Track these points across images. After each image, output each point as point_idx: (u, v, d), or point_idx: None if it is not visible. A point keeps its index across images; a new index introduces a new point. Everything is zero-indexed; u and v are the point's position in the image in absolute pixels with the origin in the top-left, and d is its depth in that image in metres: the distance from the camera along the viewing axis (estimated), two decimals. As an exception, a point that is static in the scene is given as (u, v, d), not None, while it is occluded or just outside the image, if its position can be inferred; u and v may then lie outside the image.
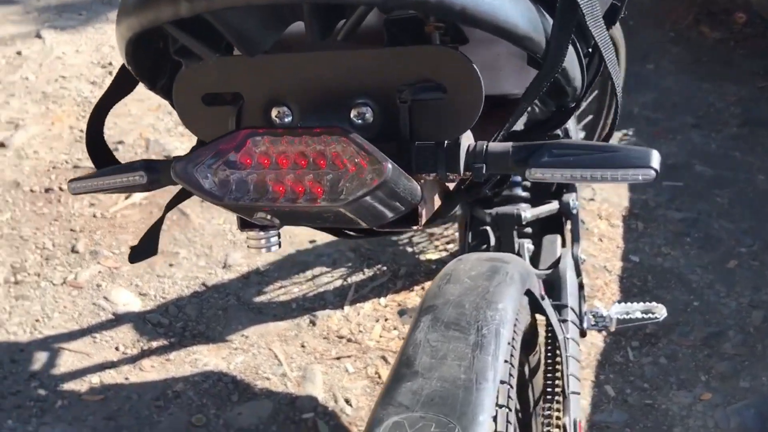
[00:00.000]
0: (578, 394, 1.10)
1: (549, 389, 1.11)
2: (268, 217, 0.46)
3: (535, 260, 1.34)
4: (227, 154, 0.48)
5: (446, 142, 0.50)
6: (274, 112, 0.53)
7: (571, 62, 0.58)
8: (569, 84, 0.60)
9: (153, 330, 1.92)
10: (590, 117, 2.38)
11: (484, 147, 0.50)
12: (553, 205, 1.36)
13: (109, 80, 3.13)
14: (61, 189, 2.44)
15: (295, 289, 2.07)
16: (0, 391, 1.71)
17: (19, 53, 3.31)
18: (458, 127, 0.49)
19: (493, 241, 1.31)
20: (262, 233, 0.52)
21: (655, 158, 0.48)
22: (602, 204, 2.49)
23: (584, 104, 0.77)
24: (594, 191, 2.57)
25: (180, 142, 2.75)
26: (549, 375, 1.12)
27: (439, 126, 0.50)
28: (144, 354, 1.84)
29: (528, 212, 1.27)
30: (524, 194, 1.32)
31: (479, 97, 0.49)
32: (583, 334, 1.46)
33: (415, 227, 0.50)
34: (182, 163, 0.49)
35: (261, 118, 0.54)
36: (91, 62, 3.28)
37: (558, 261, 1.29)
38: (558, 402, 1.10)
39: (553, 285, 1.24)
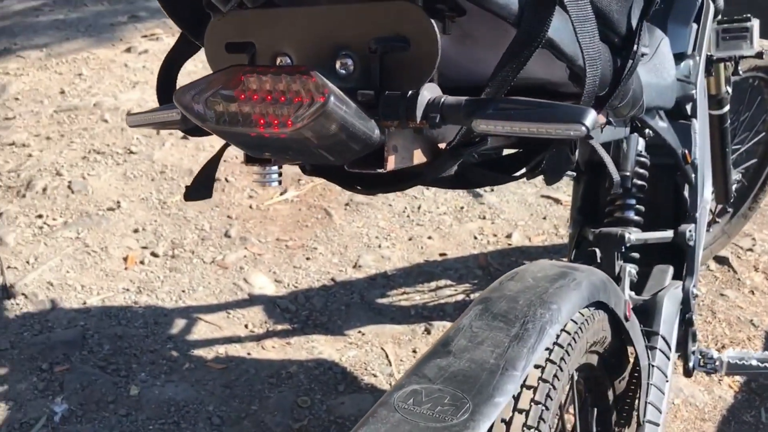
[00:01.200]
0: (657, 425, 1.05)
1: (625, 414, 1.07)
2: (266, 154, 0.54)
3: (639, 287, 1.29)
4: (218, 85, 0.55)
5: (409, 92, 0.53)
6: (277, 60, 0.60)
7: (570, 41, 0.58)
8: (572, 64, 0.60)
9: (280, 314, 2.05)
10: (753, 161, 2.23)
11: (442, 99, 0.52)
12: (666, 234, 1.30)
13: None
14: (227, 180, 2.68)
15: (417, 296, 2.11)
16: (141, 347, 1.92)
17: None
18: (419, 78, 0.53)
19: (597, 261, 1.28)
20: (263, 168, 0.58)
21: (589, 116, 0.47)
22: (761, 256, 2.31)
23: (620, 103, 0.75)
24: (754, 241, 2.39)
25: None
26: (628, 400, 1.09)
27: (403, 77, 0.53)
28: (268, 334, 1.97)
29: (634, 235, 1.23)
30: (635, 218, 1.28)
31: (435, 50, 0.52)
32: (688, 374, 1.37)
33: (380, 170, 0.53)
34: (182, 89, 0.57)
35: (269, 64, 0.61)
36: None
37: (661, 290, 1.24)
38: (632, 429, 1.06)
39: (648, 311, 1.19)
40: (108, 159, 2.80)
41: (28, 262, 2.23)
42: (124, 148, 2.87)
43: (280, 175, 0.58)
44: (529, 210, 2.60)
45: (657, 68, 1.12)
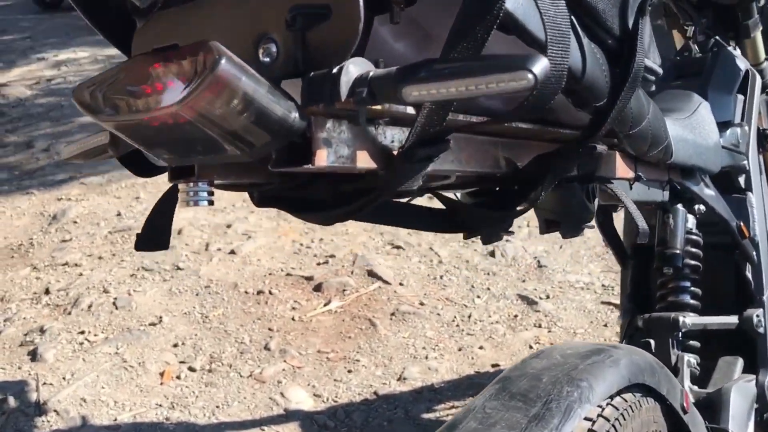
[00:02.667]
0: None
1: None
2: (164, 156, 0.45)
3: (703, 381, 1.12)
4: (122, 77, 0.49)
5: (334, 69, 0.44)
6: None
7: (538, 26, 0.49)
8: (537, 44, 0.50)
9: (318, 431, 1.91)
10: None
11: (371, 72, 0.43)
12: (730, 319, 1.15)
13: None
14: (270, 292, 2.62)
15: (466, 409, 1.94)
16: (168, 465, 1.79)
17: (266, 178, 3.73)
18: (344, 50, 0.44)
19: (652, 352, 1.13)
20: (188, 185, 0.50)
21: (537, 62, 0.37)
22: None
23: (629, 129, 0.63)
24: None
25: (384, 259, 2.84)
26: None
27: (328, 52, 0.45)
28: (303, 452, 1.83)
29: (690, 319, 1.08)
30: (691, 301, 1.13)
31: (357, 13, 0.43)
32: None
33: (308, 165, 0.44)
34: (82, 84, 0.51)
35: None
36: (323, 188, 3.58)
37: (729, 383, 1.07)
38: None
39: (714, 406, 1.02)
40: (155, 276, 2.79)
41: (64, 378, 2.17)
42: (173, 264, 2.86)
43: (210, 194, 0.49)
44: (589, 317, 2.42)
45: (695, 127, 1.02)
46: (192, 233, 3.13)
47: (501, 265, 2.81)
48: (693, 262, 1.15)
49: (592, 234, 3.01)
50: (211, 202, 0.47)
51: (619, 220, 1.31)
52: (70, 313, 2.55)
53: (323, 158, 0.42)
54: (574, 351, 0.78)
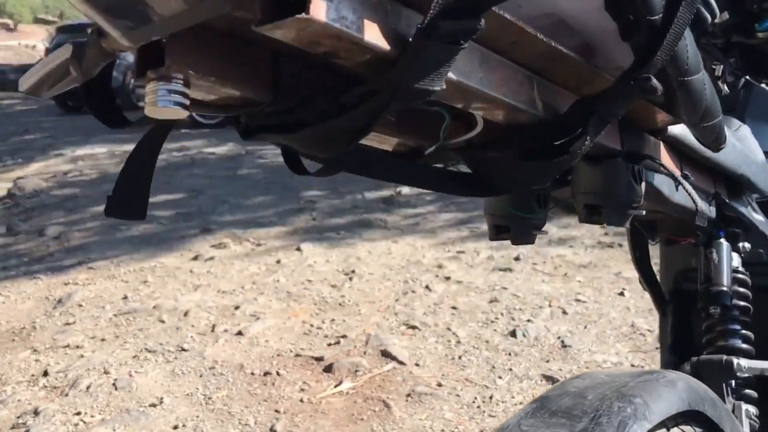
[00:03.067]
0: None
1: None
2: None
3: (766, 434, 0.98)
4: None
5: None
6: None
7: None
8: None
9: None
10: None
11: None
12: None
13: (348, 285, 3.29)
14: (278, 374, 2.47)
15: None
16: None
17: (278, 262, 3.65)
18: None
19: None
20: (158, 83, 0.39)
21: None
22: None
23: (682, 76, 0.53)
24: None
25: (399, 339, 2.70)
26: None
27: None
28: None
29: (744, 362, 0.96)
30: (743, 345, 1.01)
31: None
32: None
33: (301, 15, 0.33)
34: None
35: None
36: (336, 270, 3.48)
37: None
38: None
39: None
40: (158, 357, 2.66)
41: (54, 462, 2.02)
42: (177, 346, 2.74)
43: (184, 96, 0.39)
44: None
45: (741, 139, 0.93)
46: (198, 315, 3.02)
47: (523, 345, 2.66)
48: (742, 303, 1.04)
49: (617, 314, 2.87)
50: (184, 107, 0.38)
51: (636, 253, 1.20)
52: (67, 395, 2.41)
53: (321, 10, 0.33)
54: (620, 372, 0.67)
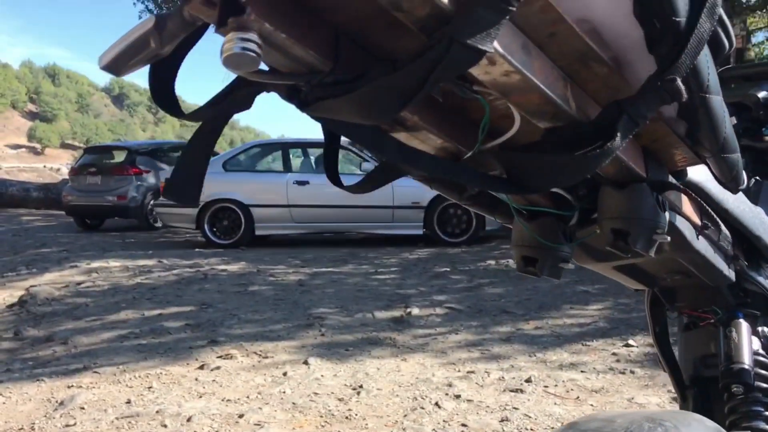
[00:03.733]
0: None
1: None
2: None
3: None
4: None
5: None
6: None
7: None
8: None
9: None
10: None
11: None
12: None
13: (355, 399, 3.22)
14: (281, 483, 2.38)
15: None
16: None
17: (285, 374, 3.59)
18: None
19: None
20: (237, 32, 0.42)
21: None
22: None
23: (696, 99, 0.56)
24: None
25: None
26: None
27: None
28: None
29: None
30: None
31: None
32: None
33: None
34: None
35: None
36: (344, 384, 3.42)
37: None
38: None
39: None
40: (158, 461, 2.57)
41: None
42: (178, 451, 2.66)
43: (258, 47, 0.43)
44: None
45: (757, 212, 0.96)
46: (202, 421, 2.95)
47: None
48: (764, 385, 1.03)
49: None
50: (256, 56, 0.42)
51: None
52: (60, 495, 2.32)
53: None
54: (641, 410, 0.67)
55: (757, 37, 12.64)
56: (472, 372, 3.59)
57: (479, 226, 8.84)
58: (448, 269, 6.96)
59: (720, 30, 0.58)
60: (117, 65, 0.49)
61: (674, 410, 0.64)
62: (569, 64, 0.53)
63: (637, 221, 0.65)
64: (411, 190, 9.01)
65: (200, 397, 3.28)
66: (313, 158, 10.01)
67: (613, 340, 4.06)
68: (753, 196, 1.25)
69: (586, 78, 0.55)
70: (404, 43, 0.47)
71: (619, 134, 0.52)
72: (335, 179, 0.68)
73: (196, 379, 3.54)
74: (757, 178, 1.37)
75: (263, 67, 0.47)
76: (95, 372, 3.70)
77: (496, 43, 0.44)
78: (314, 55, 0.46)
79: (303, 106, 0.49)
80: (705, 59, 0.56)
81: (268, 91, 0.52)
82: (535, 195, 0.68)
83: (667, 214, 0.68)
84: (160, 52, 0.48)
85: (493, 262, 7.39)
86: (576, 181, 0.56)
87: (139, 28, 0.47)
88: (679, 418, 0.61)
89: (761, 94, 1.40)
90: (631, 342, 3.97)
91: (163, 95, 0.54)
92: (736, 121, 1.48)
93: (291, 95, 0.50)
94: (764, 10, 11.48)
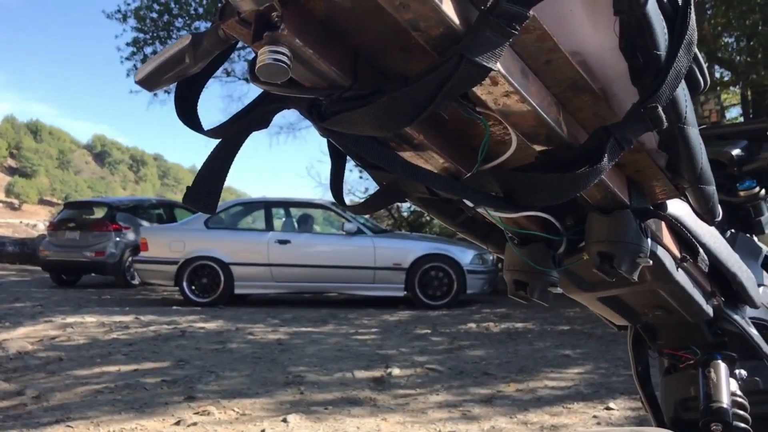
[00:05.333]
0: None
1: None
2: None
3: None
4: None
5: None
6: None
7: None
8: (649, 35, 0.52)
9: None
10: None
11: None
12: None
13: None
14: None
15: None
16: None
17: (262, 431, 3.54)
18: None
19: None
20: (270, 46, 0.46)
21: None
22: None
23: (678, 122, 0.61)
24: None
25: None
26: None
27: None
28: None
29: None
30: None
31: None
32: None
33: None
34: None
35: None
36: (322, 442, 3.37)
37: None
38: None
39: None
40: None
41: None
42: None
43: (289, 59, 0.47)
44: None
45: (739, 243, 1.01)
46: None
47: None
48: (743, 425, 1.06)
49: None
50: (286, 68, 0.46)
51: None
52: None
53: None
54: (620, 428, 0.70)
55: (732, 113, 13.05)
56: (453, 432, 3.56)
57: (460, 289, 8.86)
58: (428, 331, 6.94)
59: (696, 68, 0.63)
60: (151, 80, 0.53)
61: (653, 429, 0.67)
62: (562, 92, 0.58)
63: (621, 244, 0.69)
64: (392, 251, 9.06)
65: (175, 452, 3.21)
66: (295, 218, 10.05)
67: (594, 404, 4.06)
68: (729, 245, 1.31)
69: (577, 105, 0.60)
70: (415, 66, 0.52)
71: (606, 156, 0.57)
72: (339, 197, 0.72)
73: (172, 435, 3.47)
74: (733, 230, 1.43)
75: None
76: (68, 426, 3.61)
77: (499, 65, 0.49)
78: (336, 71, 0.51)
79: (321, 119, 0.53)
80: (683, 93, 0.61)
81: (289, 108, 0.57)
82: (526, 221, 0.72)
83: (649, 240, 0.72)
84: (192, 70, 0.52)
85: (474, 324, 7.39)
86: (567, 199, 0.60)
87: (176, 45, 0.51)
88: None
89: (735, 152, 1.47)
90: (611, 405, 3.97)
91: (186, 112, 0.58)
92: (711, 177, 1.55)
93: (310, 110, 0.54)
94: (737, 86, 11.90)
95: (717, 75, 11.70)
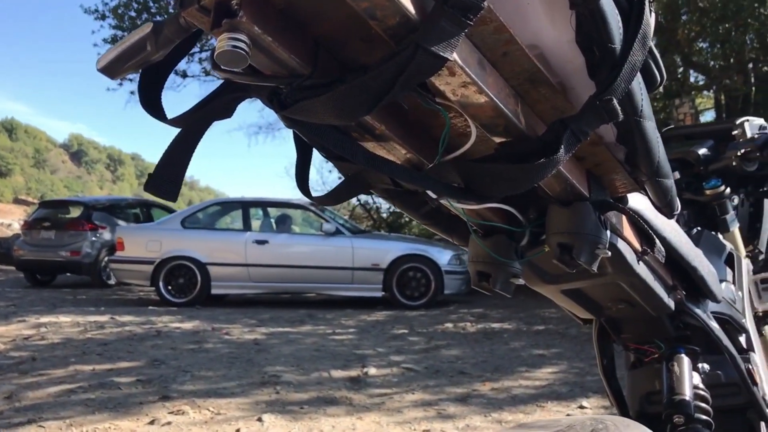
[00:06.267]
0: None
1: None
2: None
3: None
4: None
5: None
6: None
7: None
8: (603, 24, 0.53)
9: None
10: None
11: None
12: None
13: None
14: None
15: None
16: None
17: (237, 430, 3.53)
18: None
19: None
20: (229, 33, 0.47)
21: None
22: None
23: (634, 113, 0.63)
24: None
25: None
26: None
27: None
28: None
29: None
30: None
31: None
32: None
33: None
34: None
35: None
36: (297, 441, 3.37)
37: None
38: None
39: None
40: None
41: None
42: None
43: (248, 46, 0.48)
44: None
45: (704, 240, 1.03)
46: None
47: None
48: (705, 417, 1.08)
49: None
50: (245, 54, 0.46)
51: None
52: None
53: None
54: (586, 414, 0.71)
55: (706, 116, 13.24)
56: (428, 431, 3.57)
57: (438, 289, 8.89)
58: (406, 331, 6.95)
59: (652, 63, 0.65)
60: (113, 67, 0.54)
61: (617, 416, 0.68)
62: (520, 84, 0.60)
63: (580, 236, 0.71)
64: (371, 252, 9.07)
65: (149, 452, 3.19)
66: (273, 218, 10.02)
67: (568, 402, 4.09)
68: (694, 242, 1.33)
69: (535, 98, 0.62)
70: (376, 55, 0.53)
71: (562, 147, 0.58)
72: (305, 190, 0.72)
73: (146, 434, 3.45)
74: (699, 228, 1.45)
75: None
76: (40, 426, 3.57)
77: (455, 55, 0.50)
78: (296, 60, 0.52)
79: (282, 108, 0.54)
80: (638, 87, 0.63)
81: (251, 97, 0.57)
82: (489, 213, 0.74)
83: (608, 232, 0.74)
84: (153, 57, 0.52)
85: (450, 324, 7.42)
86: (525, 189, 0.61)
87: (138, 32, 0.52)
88: (620, 422, 0.65)
89: (701, 151, 1.50)
90: (585, 404, 4.01)
91: (150, 101, 0.59)
92: (679, 176, 1.58)
93: (271, 98, 0.55)
94: (711, 91, 12.07)
95: (692, 79, 11.86)
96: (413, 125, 0.64)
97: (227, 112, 0.60)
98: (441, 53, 0.48)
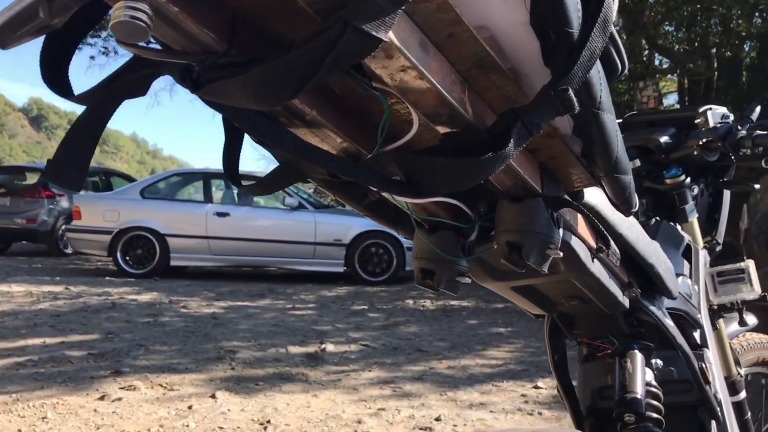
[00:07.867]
0: None
1: None
2: None
3: None
4: None
5: None
6: None
7: None
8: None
9: None
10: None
11: None
12: None
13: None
14: None
15: None
16: None
17: (190, 407, 3.47)
18: None
19: None
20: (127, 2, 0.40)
21: None
22: None
23: (593, 107, 0.58)
24: None
25: None
26: None
27: None
28: None
29: None
30: None
31: None
32: None
33: None
34: None
35: None
36: (251, 419, 3.33)
37: None
38: None
39: None
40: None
41: None
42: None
43: (149, 18, 0.41)
44: None
45: (662, 232, 1.00)
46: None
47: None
48: (655, 415, 1.06)
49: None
50: (146, 27, 0.40)
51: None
52: None
53: None
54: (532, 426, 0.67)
55: (669, 100, 13.36)
56: (383, 409, 3.56)
57: (399, 265, 8.88)
58: (366, 307, 6.93)
59: (613, 50, 0.60)
60: (3, 35, 0.47)
61: (561, 426, 0.64)
62: (468, 70, 0.54)
63: (530, 234, 0.66)
64: (334, 227, 9.00)
65: (97, 429, 3.12)
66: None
67: (523, 382, 4.11)
68: (651, 234, 1.30)
69: (484, 85, 0.56)
70: (304, 33, 0.47)
71: (512, 140, 0.53)
72: (233, 176, 0.66)
73: (95, 410, 3.37)
74: (658, 218, 1.43)
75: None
76: (-16, 400, 3.47)
77: (392, 35, 0.44)
78: (209, 34, 0.45)
79: (195, 88, 0.48)
80: (597, 76, 0.58)
81: (164, 74, 0.51)
82: (435, 207, 0.69)
83: (561, 230, 0.69)
84: (49, 24, 0.45)
85: (411, 301, 7.42)
86: (470, 186, 0.56)
87: None
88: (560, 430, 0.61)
89: (663, 139, 1.47)
90: (540, 384, 4.03)
91: (54, 75, 0.52)
92: (639, 164, 1.55)
93: (184, 77, 0.48)
94: (675, 74, 12.16)
95: (657, 62, 11.94)
96: (350, 111, 0.59)
97: (141, 90, 0.53)
98: (374, 33, 0.42)
